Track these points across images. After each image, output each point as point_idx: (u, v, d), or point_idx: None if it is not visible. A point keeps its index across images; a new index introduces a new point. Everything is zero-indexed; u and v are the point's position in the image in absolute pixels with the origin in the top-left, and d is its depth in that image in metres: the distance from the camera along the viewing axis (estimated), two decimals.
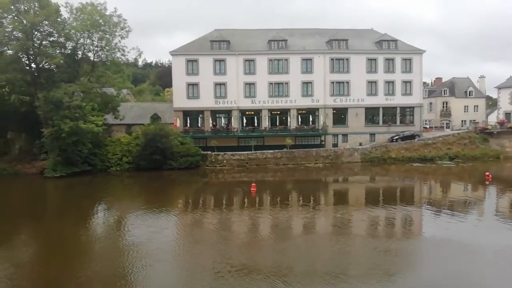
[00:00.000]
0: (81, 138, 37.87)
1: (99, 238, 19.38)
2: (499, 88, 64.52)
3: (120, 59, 45.83)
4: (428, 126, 68.08)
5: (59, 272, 14.58)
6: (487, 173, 33.65)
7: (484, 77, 75.80)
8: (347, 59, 51.42)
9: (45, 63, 40.74)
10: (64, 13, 41.41)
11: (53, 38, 41.07)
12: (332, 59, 51.24)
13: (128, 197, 31.53)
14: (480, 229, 19.48)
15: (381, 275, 13.53)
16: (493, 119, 65.53)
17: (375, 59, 51.85)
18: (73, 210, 25.58)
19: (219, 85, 49.78)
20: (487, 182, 32.15)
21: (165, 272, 14.24)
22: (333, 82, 51.17)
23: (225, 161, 45.11)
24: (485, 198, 28.45)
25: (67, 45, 42.85)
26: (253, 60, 50.05)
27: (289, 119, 50.41)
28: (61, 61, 40.69)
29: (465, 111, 72.83)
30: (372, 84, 51.86)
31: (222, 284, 13.01)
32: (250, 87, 50.12)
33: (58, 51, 41.61)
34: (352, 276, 13.51)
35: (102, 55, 44.63)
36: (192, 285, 13.16)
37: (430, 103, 75.06)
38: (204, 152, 45.01)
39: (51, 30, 40.36)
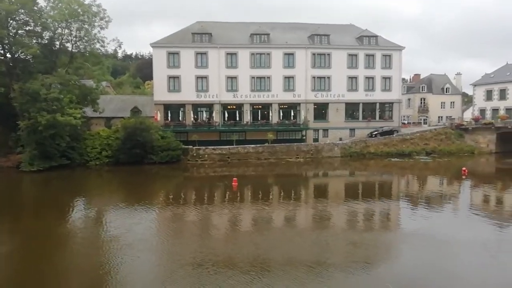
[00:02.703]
0: (59, 131, 37.02)
1: (78, 231, 19.12)
2: (475, 85, 66.32)
3: (100, 51, 44.91)
4: (406, 122, 69.56)
5: (36, 266, 14.31)
6: (463, 168, 34.66)
7: (461, 74, 77.90)
8: (328, 54, 51.84)
9: (21, 53, 39.60)
10: (41, 1, 40.41)
11: (29, 27, 39.93)
12: (314, 54, 51.55)
13: (107, 191, 31.10)
14: (456, 222, 20.07)
15: (358, 265, 13.88)
16: (468, 115, 67.44)
17: (356, 55, 52.43)
18: (51, 204, 25.10)
19: (201, 79, 49.47)
20: (463, 177, 33.12)
21: (145, 264, 14.26)
22: (314, 77, 51.54)
23: (206, 156, 44.98)
24: (462, 192, 29.27)
25: (44, 35, 41.69)
26: (235, 54, 49.88)
27: (271, 114, 50.54)
28: (38, 51, 39.60)
29: (442, 107, 74.72)
30: (352, 79, 52.49)
31: (203, 274, 13.11)
32: (232, 81, 50.00)
33: (34, 41, 40.46)
34: (330, 266, 13.81)
35: (81, 46, 43.68)
36: (173, 276, 13.19)
37: (409, 99, 76.62)
38: (185, 146, 44.75)
39: (27, 19, 39.20)
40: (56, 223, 20.14)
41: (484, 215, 20.97)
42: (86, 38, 42.62)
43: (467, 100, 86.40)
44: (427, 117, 74.23)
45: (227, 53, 49.71)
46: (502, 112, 58.73)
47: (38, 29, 40.47)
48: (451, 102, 75.48)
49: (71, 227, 19.97)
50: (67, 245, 17.07)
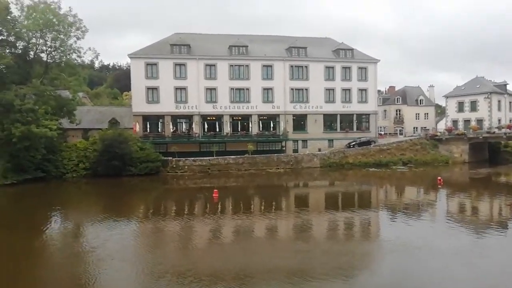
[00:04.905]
0: (34, 143, 36.09)
1: (55, 244, 18.64)
2: (447, 97, 68.56)
3: (76, 61, 44.23)
4: (382, 133, 71.02)
5: (12, 279, 13.79)
6: (439, 178, 35.58)
7: (433, 86, 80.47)
8: (306, 67, 52.71)
9: None
10: (15, 11, 39.49)
11: (2, 37, 38.99)
12: (292, 66, 52.35)
13: (85, 204, 30.39)
14: (433, 231, 20.37)
15: (337, 272, 14.02)
16: (442, 126, 69.45)
17: (332, 67, 53.52)
18: (26, 218, 24.25)
19: (180, 90, 49.38)
20: (439, 186, 33.94)
21: (126, 274, 14.08)
22: (292, 89, 52.28)
23: (186, 167, 44.68)
24: (438, 201, 29.90)
25: (17, 45, 40.77)
26: (214, 65, 50.11)
27: (250, 125, 50.81)
28: (11, 61, 38.64)
29: (416, 119, 76.73)
30: (330, 91, 53.46)
31: (185, 283, 12.98)
32: (211, 92, 50.11)
33: (7, 51, 39.54)
34: (309, 274, 13.86)
35: (56, 56, 42.83)
36: (155, 286, 13.04)
37: (385, 111, 78.38)
38: (165, 158, 44.34)
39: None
40: (32, 236, 19.50)
41: (460, 223, 21.49)
42: (61, 48, 41.87)
43: (440, 112, 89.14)
44: (402, 128, 76.05)
45: (206, 65, 49.89)
46: (473, 123, 60.86)
47: (12, 38, 39.56)
48: (425, 114, 77.65)
49: (47, 239, 19.42)
50: (43, 258, 16.60)
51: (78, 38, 42.19)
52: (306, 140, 52.58)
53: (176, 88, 49.28)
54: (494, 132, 52.96)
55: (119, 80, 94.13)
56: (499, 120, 61.90)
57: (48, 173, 38.85)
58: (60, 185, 37.43)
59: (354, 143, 52.23)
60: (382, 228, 21.49)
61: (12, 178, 35.75)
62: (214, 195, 29.28)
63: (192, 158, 45.61)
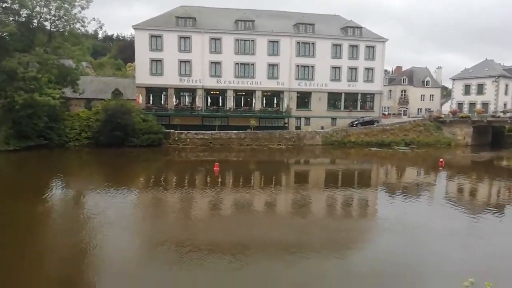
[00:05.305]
0: (37, 111, 36.17)
1: (57, 211, 18.89)
2: (454, 79, 67.69)
3: (80, 31, 43.72)
4: (386, 113, 70.59)
5: (15, 244, 14.05)
6: (440, 159, 35.56)
7: (441, 68, 79.45)
8: (313, 44, 51.89)
9: None
10: None
11: (6, 4, 38.44)
12: (298, 43, 51.54)
13: (87, 173, 30.67)
14: (431, 212, 20.44)
15: (335, 250, 14.18)
16: (446, 108, 68.90)
17: (340, 45, 52.65)
18: (28, 185, 24.54)
19: (184, 63, 48.89)
20: (440, 168, 33.96)
21: (126, 241, 14.38)
22: (298, 66, 51.62)
23: (188, 140, 44.76)
24: (438, 182, 29.96)
25: (21, 13, 40.22)
26: (219, 39, 49.39)
27: (254, 101, 50.50)
28: (15, 29, 38.21)
29: (421, 100, 76.14)
30: (336, 69, 52.79)
31: (184, 251, 13.25)
32: (215, 66, 49.60)
33: (11, 19, 39.04)
34: (306, 248, 14.06)
35: (60, 25, 42.29)
36: (153, 253, 13.27)
37: (390, 91, 77.70)
38: (167, 130, 44.37)
39: None
40: (35, 202, 19.75)
41: (458, 205, 21.48)
42: (65, 17, 41.25)
43: (446, 94, 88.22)
44: (407, 108, 75.55)
45: (211, 38, 49.18)
46: (478, 106, 60.25)
47: (15, 6, 39.02)
48: (430, 95, 76.96)
49: (50, 205, 19.68)
50: (46, 223, 16.90)
51: (82, 8, 41.59)
52: (309, 118, 52.33)
53: (180, 61, 48.78)
54: (499, 116, 52.49)
55: (123, 51, 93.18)
56: (505, 104, 61.29)
57: (51, 141, 39.03)
58: (62, 153, 37.70)
59: (357, 122, 51.98)
60: (381, 207, 21.64)
61: (15, 144, 35.95)
62: (215, 168, 29.40)
63: (194, 132, 45.61)
